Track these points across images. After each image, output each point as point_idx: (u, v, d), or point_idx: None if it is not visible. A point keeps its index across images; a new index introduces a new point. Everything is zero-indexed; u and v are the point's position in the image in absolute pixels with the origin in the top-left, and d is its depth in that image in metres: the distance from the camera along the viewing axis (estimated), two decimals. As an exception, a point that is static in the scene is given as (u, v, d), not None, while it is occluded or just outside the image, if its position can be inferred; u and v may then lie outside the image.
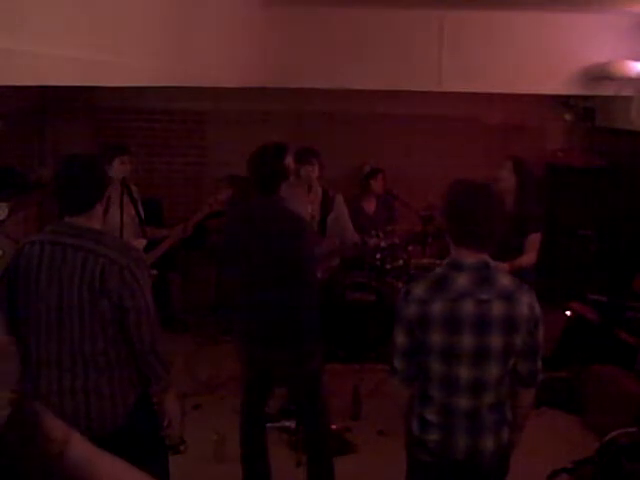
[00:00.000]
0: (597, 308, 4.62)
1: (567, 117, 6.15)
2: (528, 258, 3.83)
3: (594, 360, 4.33)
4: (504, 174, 3.89)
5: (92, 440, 2.40)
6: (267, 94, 5.37)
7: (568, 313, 4.78)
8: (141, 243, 3.74)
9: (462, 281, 2.08)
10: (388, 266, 4.92)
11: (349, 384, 4.31)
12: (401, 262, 4.95)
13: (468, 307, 2.06)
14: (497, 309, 2.07)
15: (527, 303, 2.11)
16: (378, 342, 4.81)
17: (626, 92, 4.83)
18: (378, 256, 4.86)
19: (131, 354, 2.28)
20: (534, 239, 3.86)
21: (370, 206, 5.50)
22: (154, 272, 3.35)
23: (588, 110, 5.99)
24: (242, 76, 4.40)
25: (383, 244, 4.89)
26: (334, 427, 3.70)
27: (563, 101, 6.01)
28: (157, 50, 2.87)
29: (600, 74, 4.75)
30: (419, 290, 2.12)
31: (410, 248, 5.08)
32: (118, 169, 4.04)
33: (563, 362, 4.75)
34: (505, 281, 2.13)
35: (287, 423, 3.90)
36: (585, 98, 5.74)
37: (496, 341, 2.08)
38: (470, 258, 2.10)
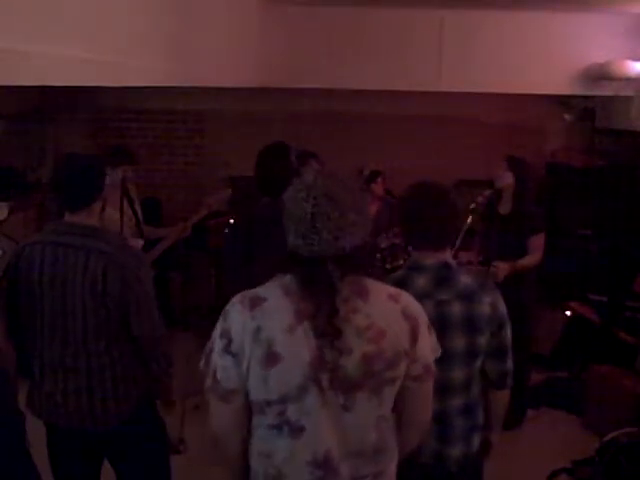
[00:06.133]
0: (597, 308, 4.61)
1: (567, 117, 6.14)
2: (533, 258, 3.79)
3: (594, 360, 4.33)
4: (500, 174, 3.87)
5: (96, 436, 2.41)
6: (267, 94, 5.37)
7: (568, 313, 4.78)
8: (138, 243, 3.72)
9: (421, 282, 2.04)
10: (388, 266, 4.91)
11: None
12: (401, 262, 4.93)
13: (428, 309, 1.94)
14: (456, 309, 2.03)
15: (489, 303, 2.05)
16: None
17: (626, 92, 4.82)
18: (378, 256, 4.85)
19: (134, 351, 2.30)
20: (538, 239, 3.82)
21: (372, 209, 5.50)
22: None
23: (588, 110, 5.98)
24: (242, 76, 4.40)
25: (383, 244, 4.88)
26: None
27: (563, 101, 6.01)
28: (157, 50, 2.87)
29: (600, 74, 4.74)
30: None
31: (410, 248, 5.07)
32: (121, 175, 4.00)
33: (563, 362, 4.75)
34: (467, 280, 2.08)
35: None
36: (585, 98, 5.73)
37: (457, 342, 2.03)
38: (430, 259, 2.07)
